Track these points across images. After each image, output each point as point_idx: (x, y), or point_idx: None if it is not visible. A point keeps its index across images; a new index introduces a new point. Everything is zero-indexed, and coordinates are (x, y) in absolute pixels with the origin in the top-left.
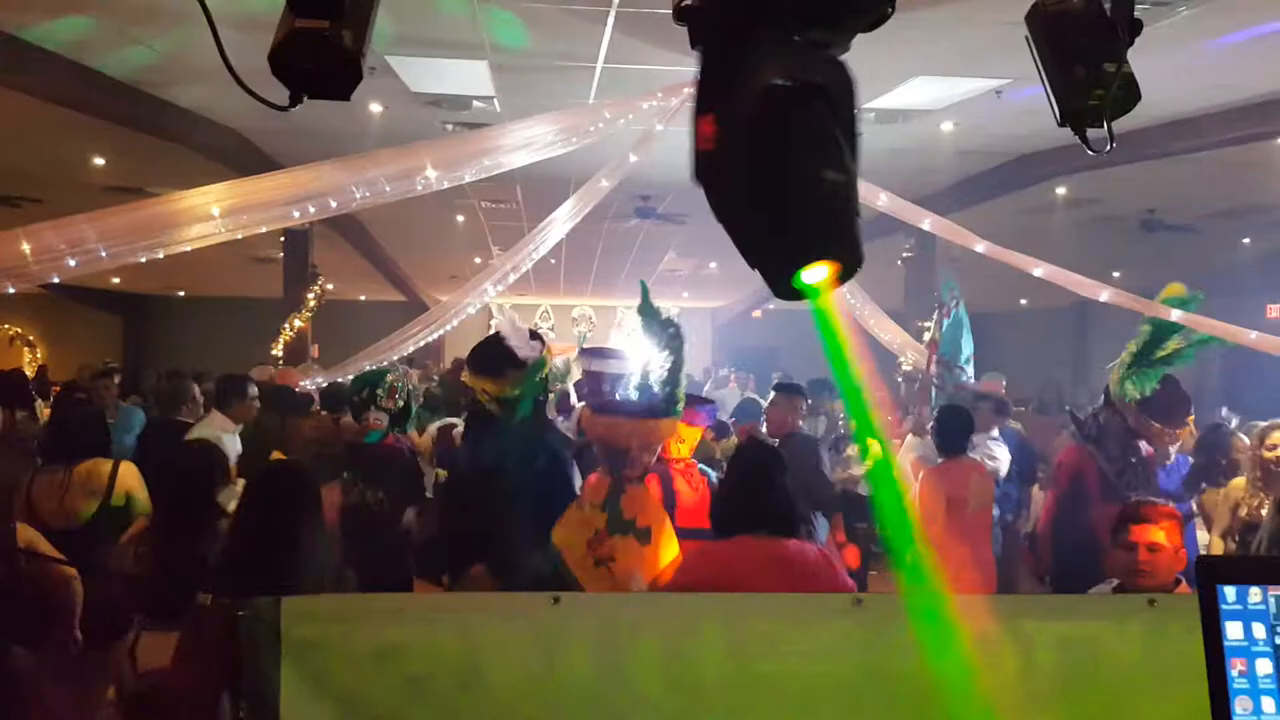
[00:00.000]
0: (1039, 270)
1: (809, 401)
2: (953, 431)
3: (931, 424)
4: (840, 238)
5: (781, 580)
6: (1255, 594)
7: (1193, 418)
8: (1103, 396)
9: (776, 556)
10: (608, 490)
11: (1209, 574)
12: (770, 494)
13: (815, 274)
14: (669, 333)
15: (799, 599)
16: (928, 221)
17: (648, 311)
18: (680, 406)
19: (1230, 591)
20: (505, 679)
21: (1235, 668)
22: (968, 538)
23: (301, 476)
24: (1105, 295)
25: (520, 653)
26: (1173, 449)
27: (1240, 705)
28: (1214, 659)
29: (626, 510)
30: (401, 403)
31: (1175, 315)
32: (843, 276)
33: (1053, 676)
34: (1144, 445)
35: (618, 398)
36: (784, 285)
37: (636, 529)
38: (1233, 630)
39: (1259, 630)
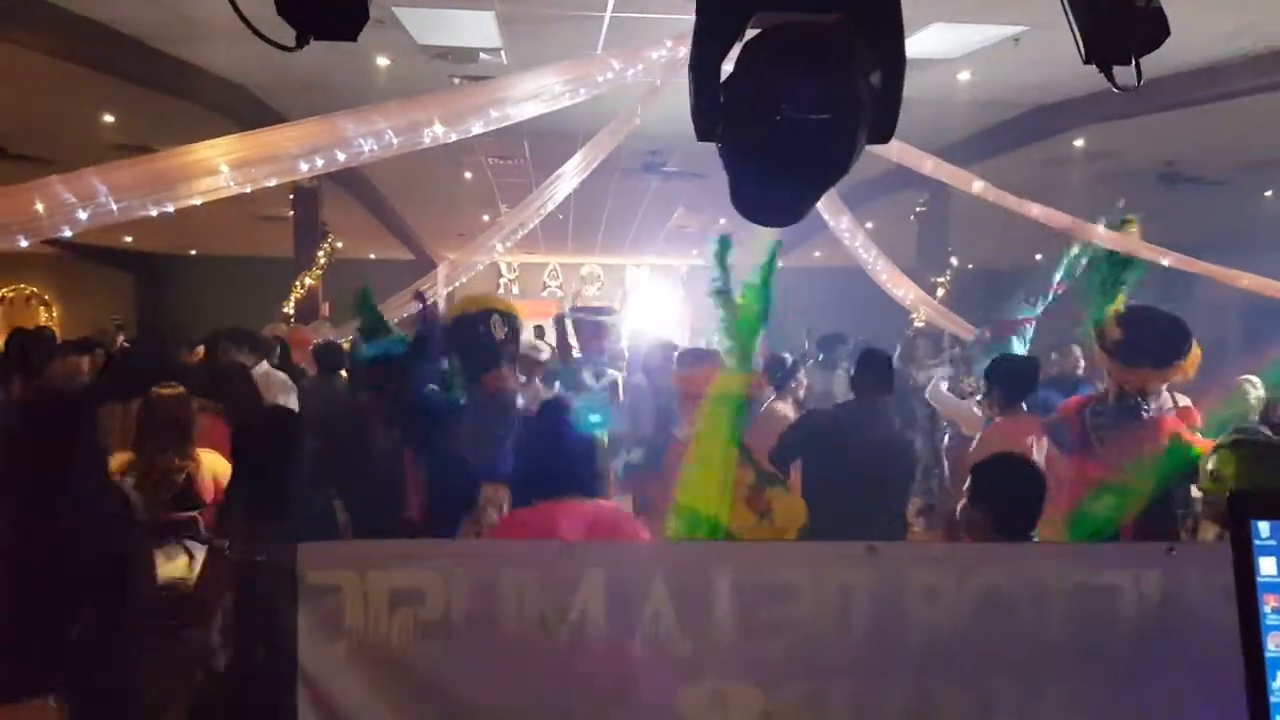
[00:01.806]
0: (1034, 210)
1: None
2: (1012, 383)
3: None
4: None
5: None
6: None
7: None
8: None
9: (588, 518)
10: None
11: (1243, 508)
12: (573, 456)
13: None
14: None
15: (811, 547)
16: (930, 164)
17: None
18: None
19: (1264, 526)
20: (518, 624)
21: (1269, 604)
22: None
23: (284, 422)
24: (1100, 232)
25: (533, 598)
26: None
27: (1273, 642)
28: (1245, 594)
29: (762, 463)
30: None
31: (1166, 260)
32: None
33: (1068, 625)
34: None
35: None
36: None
37: (780, 480)
38: (1266, 566)
39: None
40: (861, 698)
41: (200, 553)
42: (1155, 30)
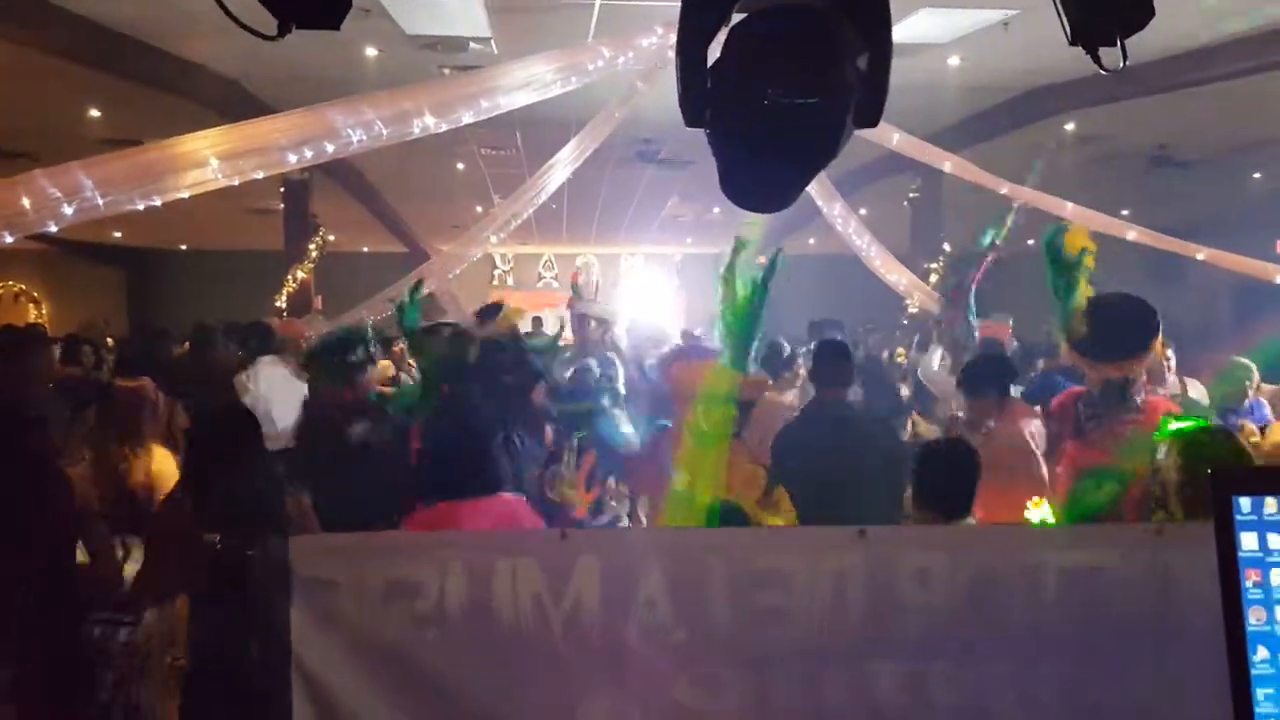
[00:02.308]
0: (1004, 189)
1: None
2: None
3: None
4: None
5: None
6: (1271, 504)
7: (1160, 341)
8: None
9: (488, 516)
10: (745, 450)
11: (1224, 483)
12: (475, 455)
13: None
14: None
15: (803, 532)
16: (896, 137)
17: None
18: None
19: (1245, 502)
20: (513, 614)
21: (1250, 578)
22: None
23: (233, 419)
24: (1069, 210)
25: (529, 587)
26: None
27: (1254, 616)
28: (1228, 570)
29: (761, 459)
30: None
31: (1131, 234)
32: None
33: (1059, 608)
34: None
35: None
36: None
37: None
38: (1247, 541)
39: (1274, 541)
40: (856, 681)
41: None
42: (1140, 11)
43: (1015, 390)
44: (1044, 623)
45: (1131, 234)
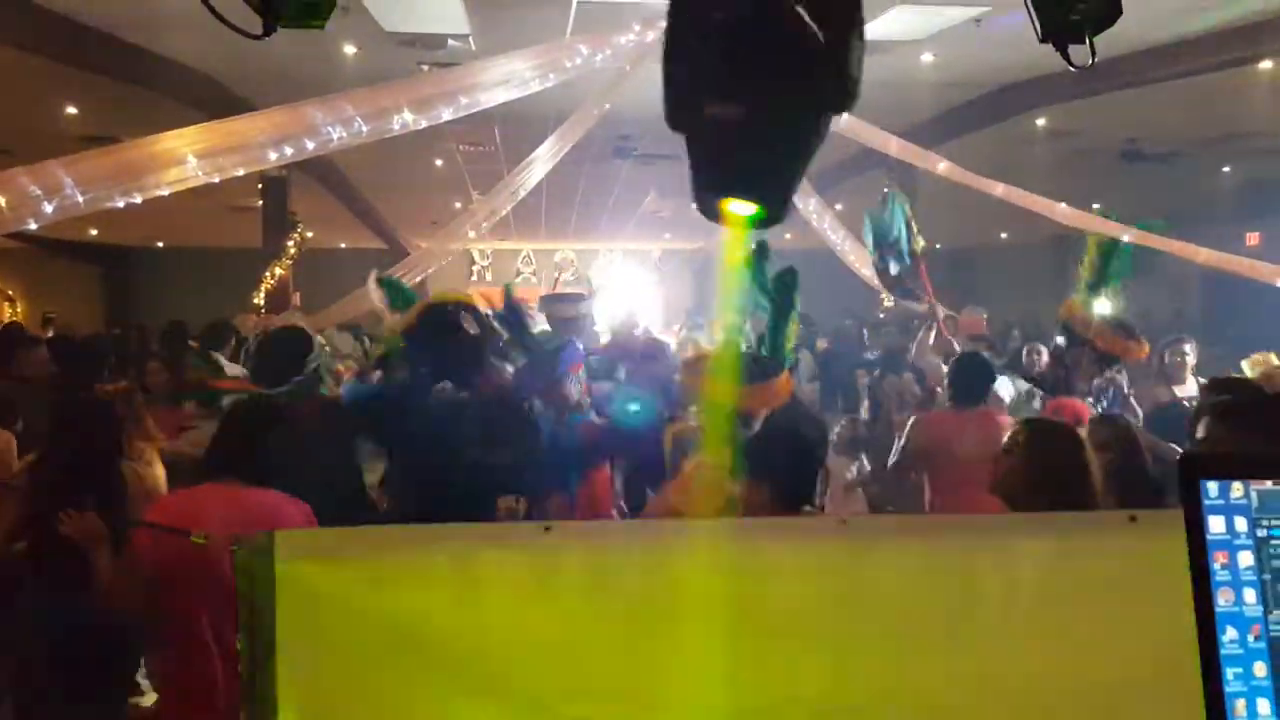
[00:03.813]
0: (999, 190)
1: None
2: (967, 380)
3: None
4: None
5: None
6: (1237, 488)
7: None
8: (1061, 336)
9: (236, 502)
10: (732, 457)
11: (1192, 469)
12: (244, 444)
13: (739, 207)
14: (775, 287)
15: (785, 522)
16: (895, 144)
17: (759, 269)
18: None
19: (1213, 486)
20: (499, 605)
21: (1218, 560)
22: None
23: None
24: (1061, 211)
25: (514, 579)
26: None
27: (1223, 597)
28: (1196, 553)
29: None
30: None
31: (1126, 236)
32: (765, 223)
33: (1035, 596)
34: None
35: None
36: (710, 206)
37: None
38: (1215, 524)
39: (1241, 524)
40: (837, 669)
41: None
42: (1108, 9)
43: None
44: (1021, 610)
45: (1127, 236)
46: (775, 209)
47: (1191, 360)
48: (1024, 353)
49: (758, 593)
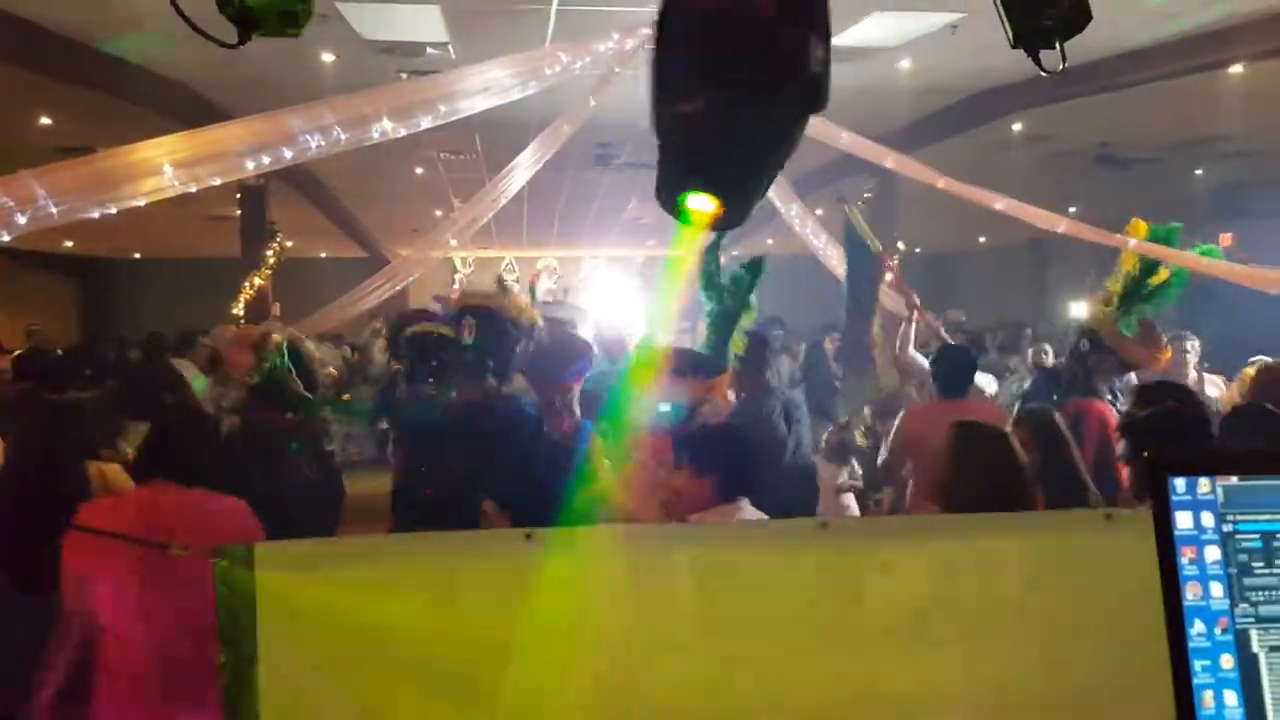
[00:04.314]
0: (1000, 204)
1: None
2: (951, 373)
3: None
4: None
5: (196, 527)
6: (1204, 484)
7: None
8: (1084, 340)
9: (188, 504)
10: (674, 449)
11: (1160, 466)
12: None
13: (697, 202)
14: (732, 285)
15: (765, 525)
16: (890, 160)
17: (709, 267)
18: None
19: (1180, 483)
20: (481, 614)
21: (1185, 555)
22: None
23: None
24: (1062, 227)
25: (495, 588)
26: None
27: (1191, 591)
28: (1165, 548)
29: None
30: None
31: (1131, 244)
32: (721, 222)
33: (1013, 594)
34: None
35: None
36: (670, 200)
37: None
38: (1182, 520)
39: (1207, 519)
40: (818, 672)
41: None
42: (1078, 16)
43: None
44: (1000, 609)
45: (1132, 242)
46: (735, 207)
47: (1193, 358)
48: (1031, 351)
49: (739, 596)
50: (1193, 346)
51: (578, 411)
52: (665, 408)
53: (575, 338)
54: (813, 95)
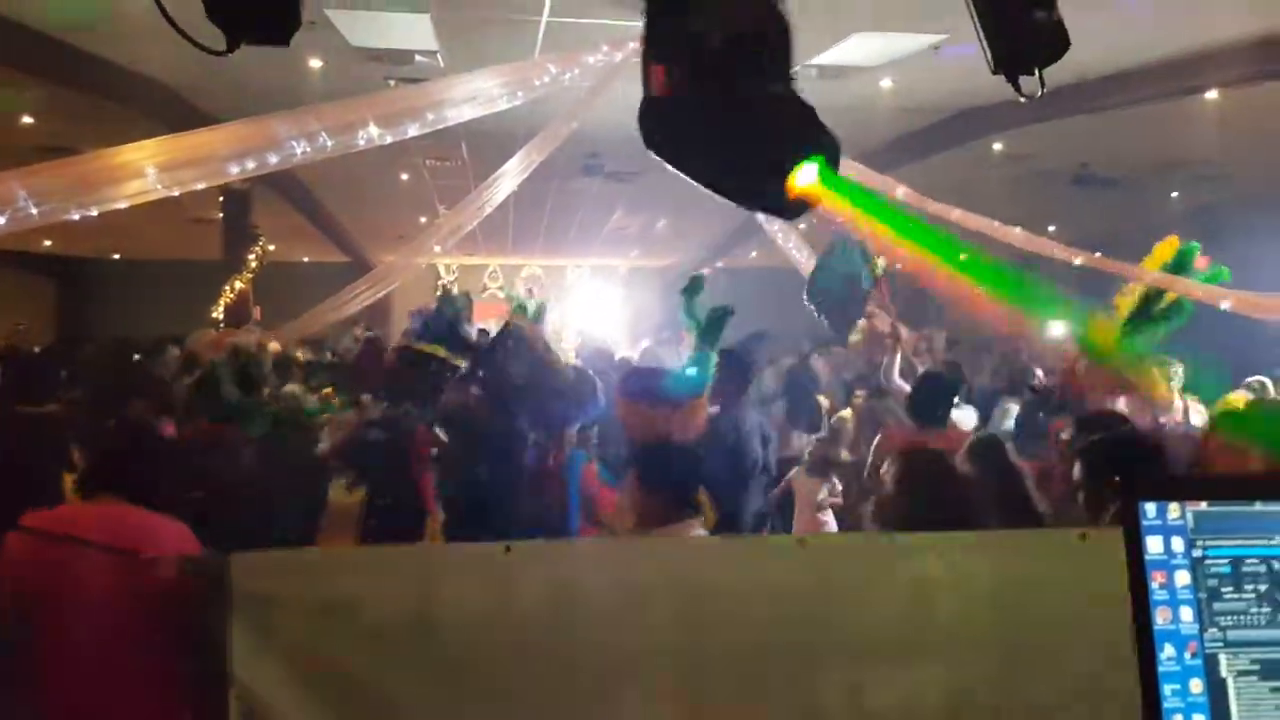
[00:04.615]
0: (955, 215)
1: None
2: (928, 401)
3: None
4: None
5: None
6: (1174, 509)
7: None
8: (1081, 361)
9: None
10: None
11: (1130, 491)
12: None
13: (806, 174)
14: (707, 322)
15: (745, 541)
16: (854, 173)
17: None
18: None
19: (1150, 507)
20: (458, 628)
21: (1156, 580)
22: None
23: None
24: (1018, 239)
25: (473, 601)
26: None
27: (1161, 616)
28: (1135, 572)
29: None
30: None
31: (1078, 261)
32: (833, 162)
33: (988, 613)
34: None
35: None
36: (782, 199)
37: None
38: (1153, 544)
39: (1178, 544)
40: (795, 688)
41: None
42: (1057, 43)
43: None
44: (976, 626)
45: (1150, 279)
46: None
47: (1177, 384)
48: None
49: (718, 611)
50: (1176, 373)
51: (567, 447)
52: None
53: (586, 382)
54: None
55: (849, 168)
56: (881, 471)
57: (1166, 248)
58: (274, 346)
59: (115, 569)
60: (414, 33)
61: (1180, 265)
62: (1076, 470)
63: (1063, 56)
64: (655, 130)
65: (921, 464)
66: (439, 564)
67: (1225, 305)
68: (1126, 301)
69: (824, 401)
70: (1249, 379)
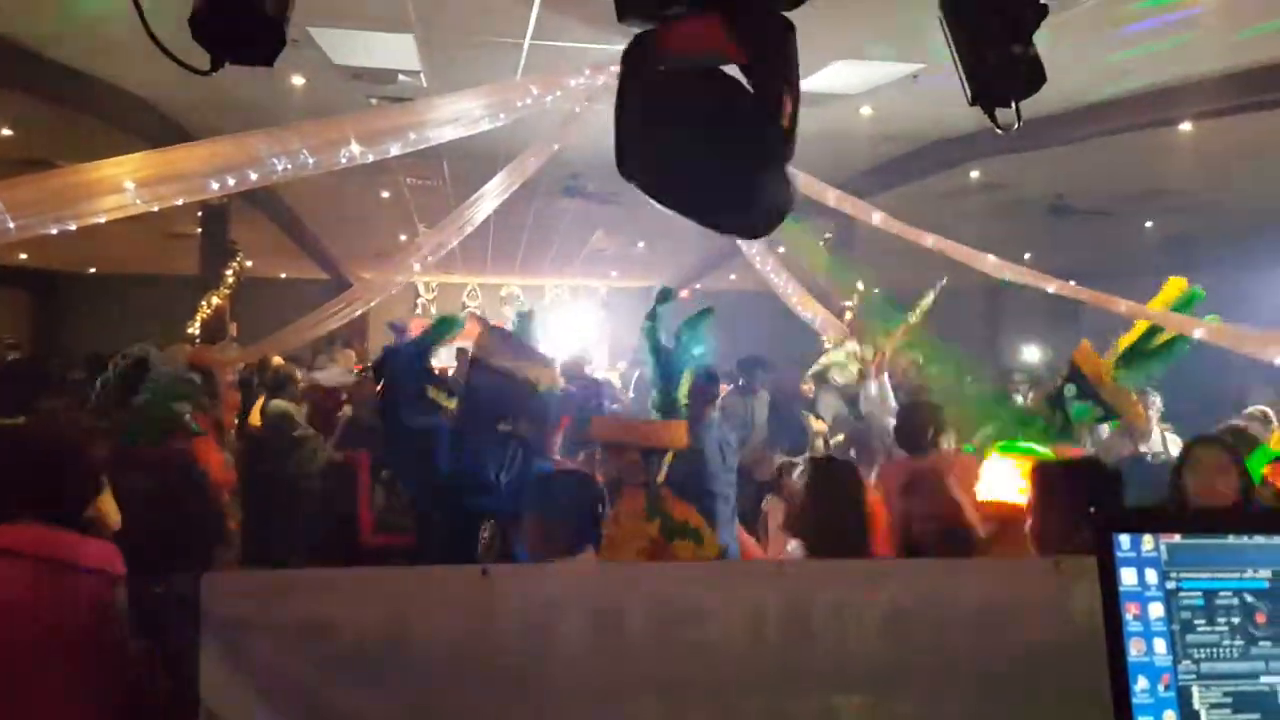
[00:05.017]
0: (929, 240)
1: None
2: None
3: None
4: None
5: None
6: (1148, 541)
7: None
8: (1069, 384)
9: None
10: (645, 500)
11: (1105, 523)
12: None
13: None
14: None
15: (722, 566)
16: (832, 196)
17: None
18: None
19: (1125, 540)
20: (434, 652)
21: (1129, 611)
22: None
23: None
24: (990, 266)
25: (449, 625)
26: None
27: (1135, 647)
28: (1109, 604)
29: (677, 514)
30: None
31: (1051, 288)
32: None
33: (967, 638)
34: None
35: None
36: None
37: (691, 530)
38: (1127, 576)
39: (1151, 576)
40: (772, 715)
41: None
42: (1034, 77)
43: None
44: (951, 655)
45: (1122, 307)
46: None
47: (1155, 413)
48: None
49: (696, 637)
50: (1155, 402)
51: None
52: None
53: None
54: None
55: (826, 191)
56: (792, 479)
57: (1173, 288)
58: (276, 361)
59: (46, 582)
60: (397, 52)
61: (1185, 308)
62: (1028, 494)
63: (1039, 90)
64: (628, 153)
65: (829, 474)
66: (414, 587)
67: (1199, 334)
68: (1125, 339)
69: (818, 425)
70: (1249, 408)
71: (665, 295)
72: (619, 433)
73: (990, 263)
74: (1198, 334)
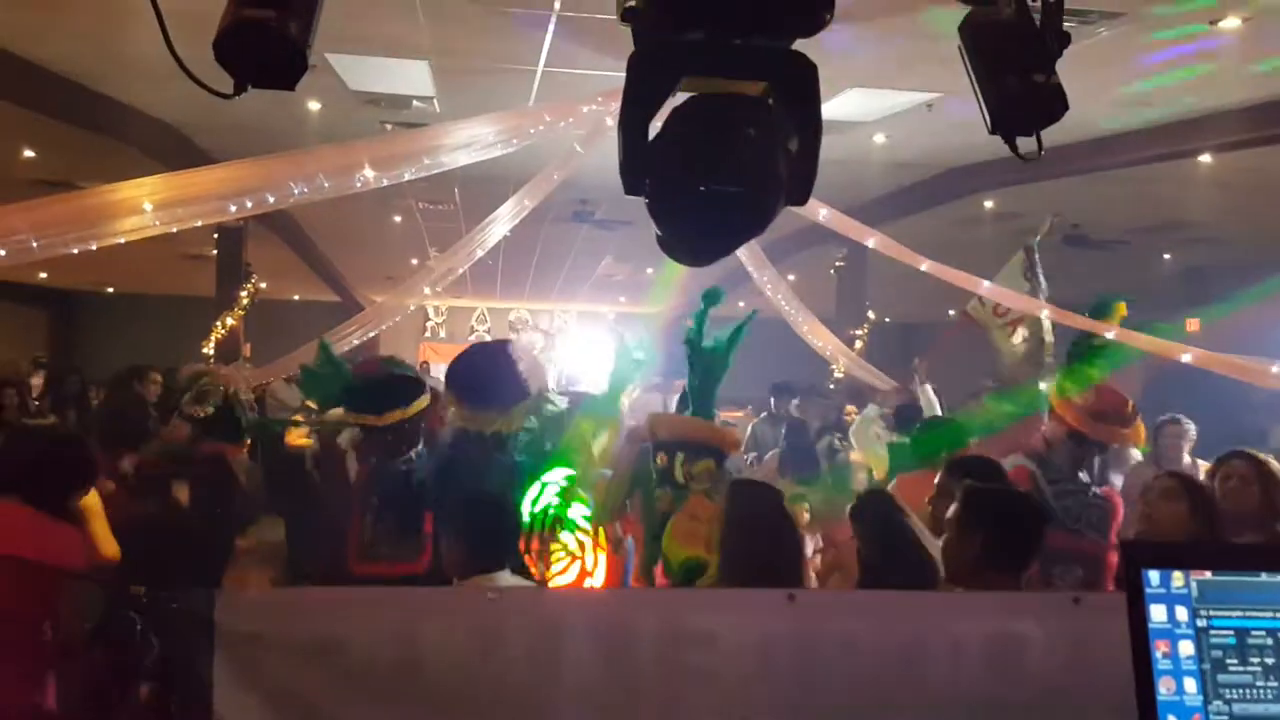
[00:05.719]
0: (925, 265)
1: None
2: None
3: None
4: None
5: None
6: (1178, 578)
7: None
8: (1046, 409)
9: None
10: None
11: (1134, 558)
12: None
13: None
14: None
15: (732, 594)
16: (823, 213)
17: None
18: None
19: (1154, 575)
20: (443, 672)
21: (1159, 649)
22: None
23: None
24: (984, 290)
25: (459, 646)
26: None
27: (1164, 686)
28: (1138, 641)
29: (687, 549)
30: (212, 409)
31: (1110, 334)
32: None
33: (980, 673)
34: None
35: None
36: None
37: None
38: (1157, 613)
39: (1181, 613)
40: None
41: None
42: (1055, 104)
43: None
44: (965, 688)
45: (1111, 333)
46: None
47: (1188, 444)
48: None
49: (704, 663)
50: (1187, 432)
51: None
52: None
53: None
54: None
55: (815, 209)
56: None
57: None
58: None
59: None
60: (412, 78)
61: (1100, 315)
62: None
63: (1061, 117)
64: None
65: (751, 497)
66: (424, 606)
67: (1186, 359)
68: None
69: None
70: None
71: (714, 297)
72: (702, 432)
73: (985, 288)
74: (1185, 358)
